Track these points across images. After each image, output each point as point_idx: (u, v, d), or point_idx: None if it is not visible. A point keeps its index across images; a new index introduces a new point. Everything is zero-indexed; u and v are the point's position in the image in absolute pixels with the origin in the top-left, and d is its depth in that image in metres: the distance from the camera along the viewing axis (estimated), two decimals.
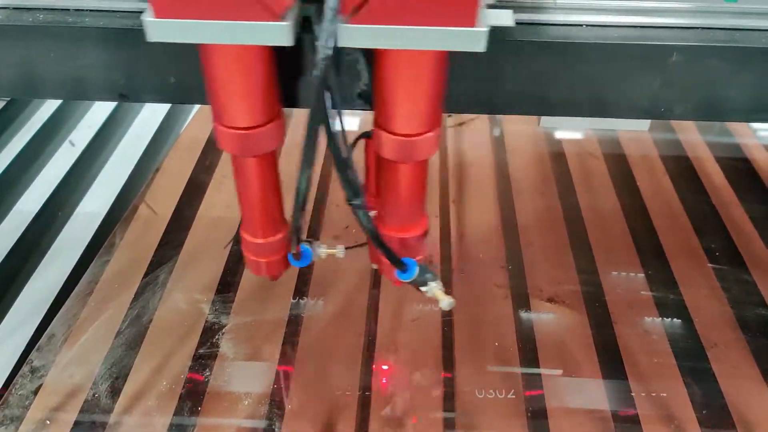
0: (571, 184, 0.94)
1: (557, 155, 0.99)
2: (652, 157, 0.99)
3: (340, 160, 0.39)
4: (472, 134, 1.06)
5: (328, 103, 0.36)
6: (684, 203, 0.91)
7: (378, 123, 0.42)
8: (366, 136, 0.46)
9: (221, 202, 0.91)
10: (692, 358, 0.69)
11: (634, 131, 0.99)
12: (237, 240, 0.75)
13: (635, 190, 0.93)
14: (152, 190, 0.94)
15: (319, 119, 0.37)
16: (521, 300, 0.76)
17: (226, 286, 0.78)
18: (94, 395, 0.66)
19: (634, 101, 0.44)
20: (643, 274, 0.79)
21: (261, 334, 0.72)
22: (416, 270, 0.49)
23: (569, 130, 1.05)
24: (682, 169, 0.97)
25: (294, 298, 0.76)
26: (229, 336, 0.72)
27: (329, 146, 0.38)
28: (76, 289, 0.78)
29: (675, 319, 0.73)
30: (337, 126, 0.37)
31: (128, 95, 0.46)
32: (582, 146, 1.02)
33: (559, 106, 0.44)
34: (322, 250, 0.53)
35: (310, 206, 0.91)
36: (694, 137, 1.05)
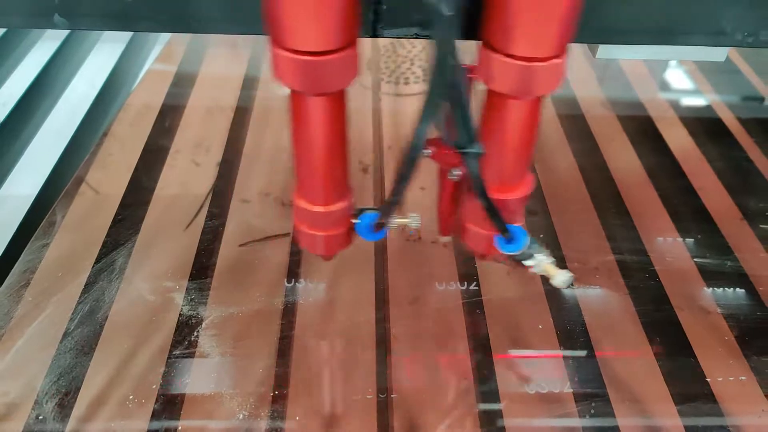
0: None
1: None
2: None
3: (459, 97, 0.32)
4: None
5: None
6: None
7: (491, 43, 0.32)
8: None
9: (187, 167, 0.76)
10: None
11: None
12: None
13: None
14: (99, 160, 0.77)
15: (448, 51, 0.30)
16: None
17: (203, 270, 0.63)
18: (37, 417, 0.50)
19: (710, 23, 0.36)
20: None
21: (251, 327, 0.58)
22: (526, 240, 0.40)
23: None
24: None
25: (289, 282, 0.62)
26: (210, 332, 0.57)
27: (447, 79, 0.31)
28: (7, 281, 0.61)
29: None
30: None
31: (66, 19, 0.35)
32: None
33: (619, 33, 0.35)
34: (394, 220, 0.44)
35: None
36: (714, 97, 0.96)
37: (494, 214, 0.38)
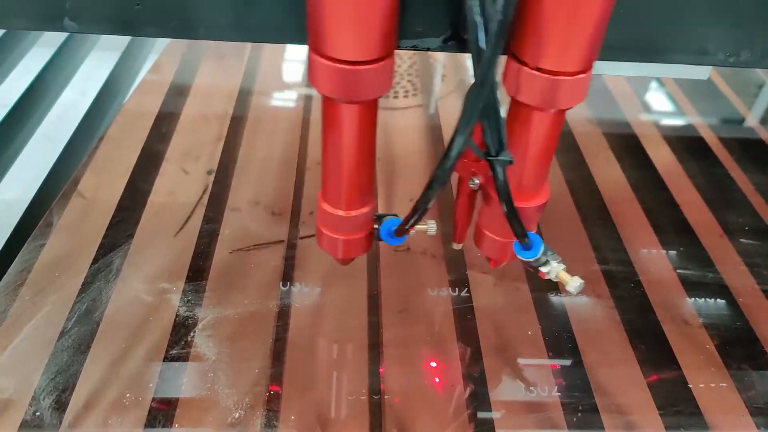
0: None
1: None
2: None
3: (493, 107, 0.33)
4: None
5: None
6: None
7: (520, 57, 0.34)
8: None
9: (181, 173, 0.77)
10: None
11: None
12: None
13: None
14: (96, 162, 0.78)
15: (494, 63, 0.31)
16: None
17: (199, 272, 0.64)
18: (34, 413, 0.50)
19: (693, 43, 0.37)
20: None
21: (246, 329, 0.59)
22: (542, 247, 0.41)
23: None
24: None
25: (284, 285, 0.63)
26: (206, 333, 0.58)
27: (484, 87, 0.31)
28: (4, 279, 0.62)
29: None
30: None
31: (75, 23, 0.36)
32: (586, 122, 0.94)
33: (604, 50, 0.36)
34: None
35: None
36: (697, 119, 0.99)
37: (517, 221, 0.39)
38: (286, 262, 0.66)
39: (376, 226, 0.44)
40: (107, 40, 0.60)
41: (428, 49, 0.37)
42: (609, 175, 0.83)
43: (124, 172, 0.77)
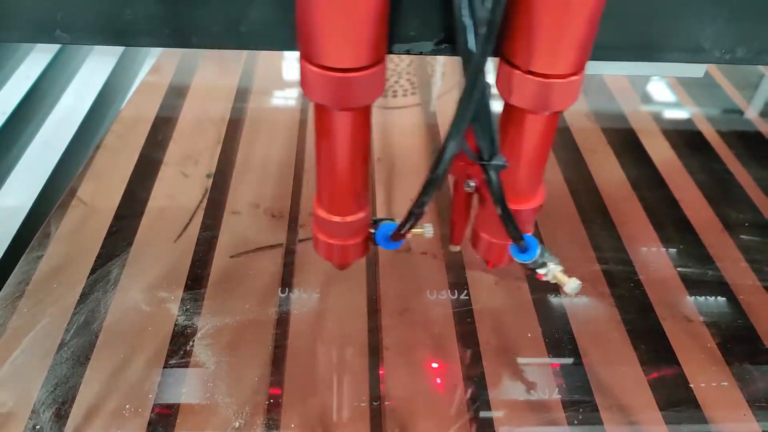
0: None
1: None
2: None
3: (485, 111, 0.33)
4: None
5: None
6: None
7: (511, 60, 0.33)
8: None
9: (179, 179, 0.77)
10: None
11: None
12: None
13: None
14: (93, 171, 0.78)
15: (480, 70, 0.31)
16: None
17: (198, 280, 0.63)
18: (34, 427, 0.51)
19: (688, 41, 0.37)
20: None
21: (245, 336, 0.59)
22: (538, 249, 0.41)
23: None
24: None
25: (282, 292, 0.63)
26: (205, 341, 0.58)
27: (474, 90, 0.31)
28: (2, 292, 0.62)
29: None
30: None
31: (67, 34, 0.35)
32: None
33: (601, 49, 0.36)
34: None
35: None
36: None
37: (512, 224, 0.39)
38: (285, 268, 0.66)
39: (372, 231, 0.44)
40: None
41: (421, 53, 0.36)
42: (607, 171, 0.83)
43: (122, 178, 0.77)
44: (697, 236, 0.73)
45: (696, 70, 0.63)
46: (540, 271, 0.44)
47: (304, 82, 0.34)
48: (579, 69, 0.33)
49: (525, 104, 0.35)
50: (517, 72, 0.33)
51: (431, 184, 0.36)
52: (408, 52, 0.36)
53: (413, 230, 0.43)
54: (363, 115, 0.36)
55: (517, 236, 0.40)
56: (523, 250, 0.43)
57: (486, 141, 0.35)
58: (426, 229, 0.46)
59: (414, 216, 0.40)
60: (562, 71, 0.33)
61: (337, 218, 0.42)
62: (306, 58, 0.32)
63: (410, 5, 0.34)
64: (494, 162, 0.35)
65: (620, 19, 0.35)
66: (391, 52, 0.36)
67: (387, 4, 0.31)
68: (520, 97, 0.34)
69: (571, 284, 0.43)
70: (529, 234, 0.43)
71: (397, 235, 0.43)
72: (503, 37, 0.33)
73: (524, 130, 0.37)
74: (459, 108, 0.32)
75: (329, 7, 0.29)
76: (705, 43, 0.38)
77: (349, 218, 0.42)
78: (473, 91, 0.31)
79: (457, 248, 0.50)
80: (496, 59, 0.35)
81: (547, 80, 0.33)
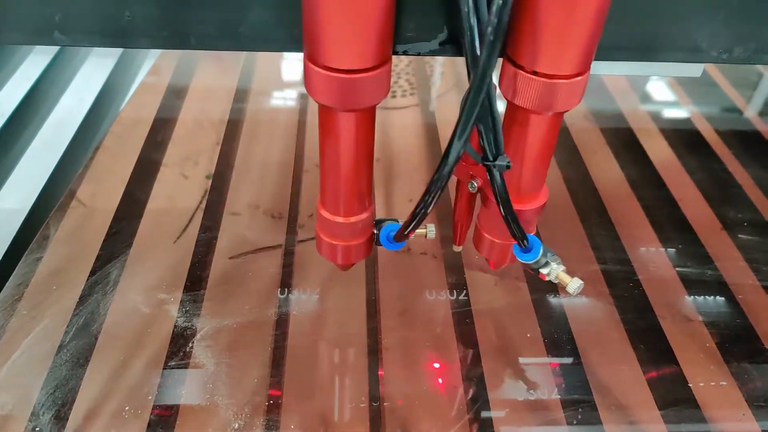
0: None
1: None
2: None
3: (490, 113, 0.33)
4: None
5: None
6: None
7: (516, 60, 0.33)
8: None
9: (179, 180, 0.77)
10: None
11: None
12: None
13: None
14: (92, 172, 0.78)
15: (490, 66, 0.30)
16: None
17: (197, 282, 0.63)
18: (34, 429, 0.51)
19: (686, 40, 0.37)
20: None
21: (245, 337, 0.59)
22: (541, 249, 0.41)
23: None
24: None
25: (282, 293, 0.63)
26: (205, 343, 0.58)
27: (480, 92, 0.31)
28: (1, 294, 0.62)
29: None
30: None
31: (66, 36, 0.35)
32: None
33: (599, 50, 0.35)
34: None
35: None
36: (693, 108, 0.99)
37: (515, 224, 0.39)
38: (284, 269, 0.66)
39: (375, 231, 0.44)
40: None
41: (419, 54, 0.36)
42: (607, 171, 0.83)
43: (121, 179, 0.77)
44: (696, 236, 0.73)
45: (693, 70, 0.64)
46: (542, 271, 0.44)
47: (308, 84, 0.33)
48: (584, 69, 0.33)
49: (529, 105, 0.35)
50: (522, 72, 0.33)
51: (436, 185, 0.36)
52: (406, 53, 0.36)
53: (416, 231, 0.44)
54: (368, 116, 0.37)
55: (520, 236, 0.40)
56: (527, 250, 0.43)
57: (490, 142, 0.35)
58: (428, 230, 0.46)
59: (418, 217, 0.40)
60: (567, 72, 0.33)
61: (340, 219, 0.42)
62: (311, 59, 0.32)
63: (409, 6, 0.34)
64: (498, 162, 0.35)
65: (618, 19, 0.35)
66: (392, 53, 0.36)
67: (393, 4, 0.31)
68: (524, 98, 0.34)
69: (573, 284, 0.44)
70: (532, 233, 0.43)
71: (401, 235, 0.43)
72: (508, 38, 0.33)
73: (528, 131, 0.37)
74: (465, 110, 0.32)
75: (335, 9, 0.29)
76: (702, 43, 0.38)
77: (352, 219, 0.42)
78: (479, 95, 0.31)
79: (460, 249, 0.51)
80: (500, 59, 0.35)
81: (551, 81, 0.33)
